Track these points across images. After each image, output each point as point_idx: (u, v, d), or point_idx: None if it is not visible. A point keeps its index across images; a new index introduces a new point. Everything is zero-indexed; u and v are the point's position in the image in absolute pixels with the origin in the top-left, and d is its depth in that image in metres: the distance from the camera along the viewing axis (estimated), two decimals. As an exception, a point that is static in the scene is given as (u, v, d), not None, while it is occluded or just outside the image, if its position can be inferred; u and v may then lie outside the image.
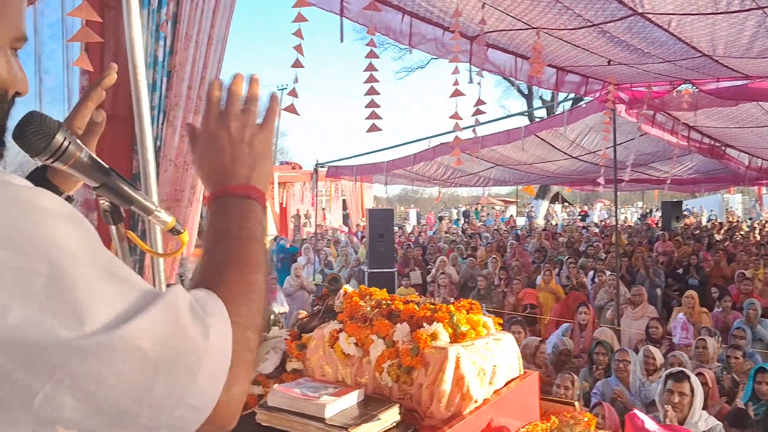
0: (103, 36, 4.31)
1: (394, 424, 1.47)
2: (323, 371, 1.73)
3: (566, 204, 38.72)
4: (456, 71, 4.93)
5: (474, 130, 5.83)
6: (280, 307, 9.74)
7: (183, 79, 4.57)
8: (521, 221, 27.36)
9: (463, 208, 38.19)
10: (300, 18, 4.25)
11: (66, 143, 0.98)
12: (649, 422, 1.65)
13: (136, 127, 1.88)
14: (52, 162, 0.99)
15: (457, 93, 5.02)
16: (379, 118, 4.90)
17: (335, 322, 1.77)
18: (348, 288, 1.93)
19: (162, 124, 4.51)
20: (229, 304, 0.81)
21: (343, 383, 1.67)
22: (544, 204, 28.27)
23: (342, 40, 5.04)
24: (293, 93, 4.67)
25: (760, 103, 7.77)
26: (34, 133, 0.95)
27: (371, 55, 4.66)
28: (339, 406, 1.47)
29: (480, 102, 5.43)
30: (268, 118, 1.05)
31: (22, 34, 0.83)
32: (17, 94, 0.85)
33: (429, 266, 13.42)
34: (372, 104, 4.84)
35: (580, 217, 31.55)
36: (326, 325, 1.77)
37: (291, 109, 4.67)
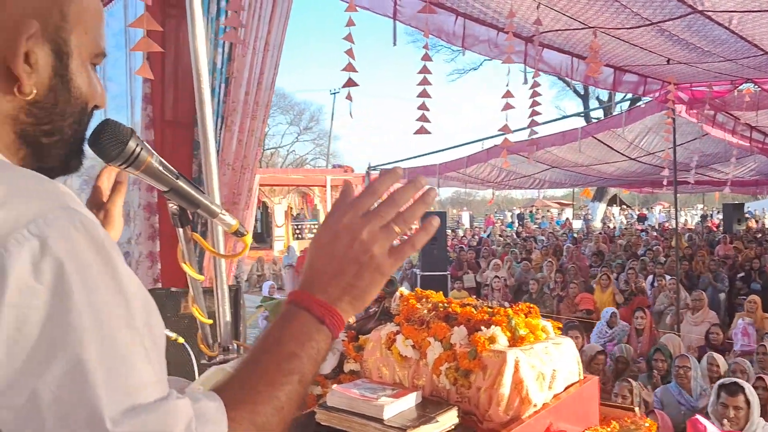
0: (164, 45, 4.46)
1: (452, 427, 1.47)
2: (380, 373, 1.74)
3: (624, 206, 37.84)
4: (509, 73, 4.89)
5: (531, 131, 5.77)
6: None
7: (240, 85, 4.68)
8: (577, 224, 26.88)
9: (517, 211, 37.78)
10: (351, 22, 4.30)
11: (138, 149, 1.03)
12: (711, 428, 1.60)
13: (200, 132, 1.93)
14: (126, 167, 1.03)
15: (507, 95, 4.98)
16: (428, 121, 4.91)
17: (392, 324, 1.78)
18: (404, 290, 1.94)
19: (220, 129, 4.63)
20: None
21: (401, 385, 1.67)
22: (602, 206, 27.71)
23: (395, 44, 5.07)
24: (348, 97, 4.72)
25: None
26: (109, 140, 0.99)
27: (426, 57, 4.67)
28: (397, 407, 1.48)
29: (535, 103, 5.37)
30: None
31: (101, 50, 0.86)
32: (95, 107, 0.87)
33: (482, 269, 13.32)
34: (422, 107, 4.85)
35: (638, 220, 30.77)
36: (383, 327, 1.78)
37: (422, 130, 4.73)
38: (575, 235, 19.07)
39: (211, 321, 1.79)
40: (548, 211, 38.56)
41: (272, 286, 13.48)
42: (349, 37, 4.31)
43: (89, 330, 0.64)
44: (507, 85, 4.95)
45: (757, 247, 13.07)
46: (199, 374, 1.88)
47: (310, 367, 0.81)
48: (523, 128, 6.46)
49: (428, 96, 4.83)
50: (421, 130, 4.85)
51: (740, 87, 7.33)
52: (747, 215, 21.74)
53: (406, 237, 0.85)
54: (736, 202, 19.64)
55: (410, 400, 1.53)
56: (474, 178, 14.54)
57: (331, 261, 0.83)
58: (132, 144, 1.01)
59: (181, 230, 1.23)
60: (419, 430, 1.41)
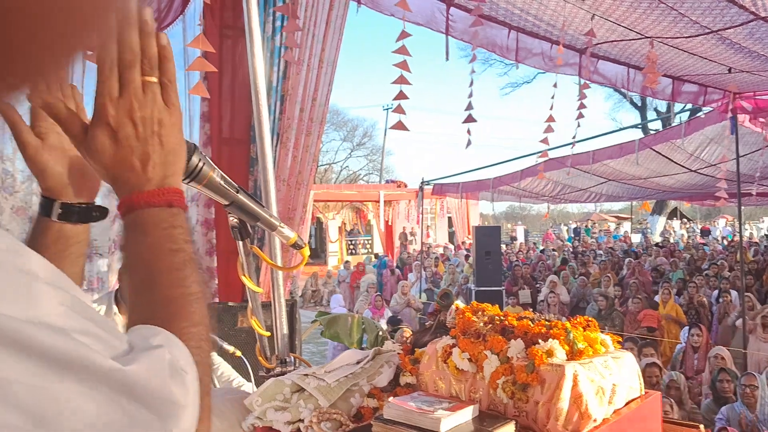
0: (221, 65, 4.59)
1: (510, 441, 1.46)
2: (436, 386, 1.73)
3: (685, 220, 36.73)
4: (555, 86, 4.85)
5: (573, 144, 5.70)
6: (386, 325, 9.84)
7: (295, 102, 4.78)
8: (636, 238, 26.21)
9: (573, 225, 37.11)
10: (404, 35, 4.33)
11: (201, 164, 1.06)
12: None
13: (258, 148, 1.98)
14: (189, 182, 1.07)
15: (550, 119, 4.93)
16: (469, 134, 4.90)
17: (448, 338, 1.77)
18: (459, 304, 1.93)
19: (276, 145, 4.72)
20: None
21: (457, 398, 1.66)
22: (661, 220, 27.00)
23: (447, 59, 5.09)
24: (400, 110, 4.76)
25: None
26: None
27: (473, 71, 4.68)
28: (454, 420, 1.48)
29: (580, 116, 5.31)
30: (166, 78, 0.81)
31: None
32: None
33: (537, 285, 13.13)
34: (469, 119, 4.85)
35: (701, 234, 29.81)
36: (439, 340, 1.78)
37: (399, 126, 4.74)
38: (636, 249, 18.61)
39: (269, 333, 1.83)
40: (606, 225, 37.74)
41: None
42: (402, 50, 4.34)
43: None
44: (552, 98, 4.90)
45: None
46: (257, 386, 1.92)
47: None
48: (565, 144, 6.38)
49: (471, 108, 4.83)
50: (469, 143, 4.86)
51: (808, 94, 7.07)
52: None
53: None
54: (806, 215, 18.83)
55: (467, 414, 1.52)
56: (528, 192, 14.39)
57: (128, 155, 0.78)
58: (195, 159, 1.05)
59: (240, 243, 1.26)
60: (478, 443, 1.40)
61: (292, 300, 4.48)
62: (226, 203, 1.15)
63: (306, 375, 1.80)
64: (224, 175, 1.13)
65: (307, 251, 1.29)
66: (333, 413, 1.66)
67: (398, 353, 1.91)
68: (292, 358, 2.03)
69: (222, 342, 2.83)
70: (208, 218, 4.81)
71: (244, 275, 1.38)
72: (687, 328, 7.90)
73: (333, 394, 1.72)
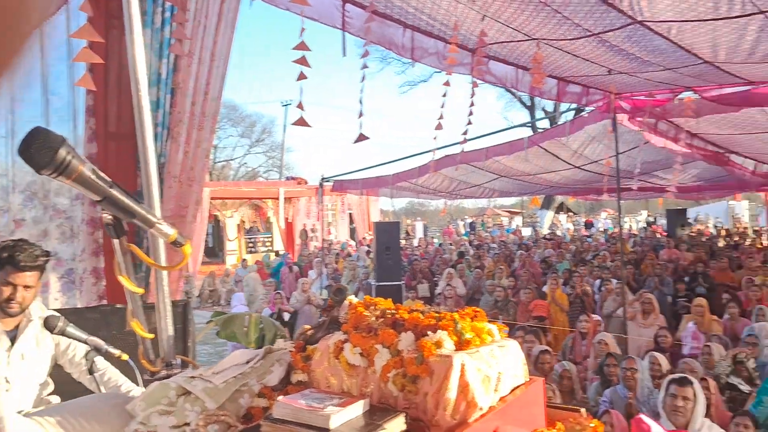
0: (107, 56, 4.37)
1: (400, 433, 1.47)
2: (328, 382, 1.73)
3: (571, 213, 38.64)
4: (447, 84, 4.95)
5: (464, 140, 5.84)
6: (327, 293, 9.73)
7: (186, 96, 4.62)
8: (527, 232, 27.33)
9: (469, 220, 38.19)
10: (302, 31, 4.29)
11: (69, 157, 1.00)
12: (656, 427, 1.64)
13: (139, 143, 1.89)
14: (57, 176, 1.00)
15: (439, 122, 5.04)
16: (367, 138, 4.94)
17: (340, 333, 1.77)
18: (353, 299, 1.94)
19: (166, 141, 4.56)
20: None
21: (349, 394, 1.67)
22: (550, 214, 28.27)
23: (344, 54, 5.09)
24: (300, 106, 4.71)
25: (765, 108, 7.76)
26: (39, 147, 0.96)
27: (364, 66, 4.70)
28: (344, 416, 1.48)
29: (471, 113, 5.45)
30: None
31: None
32: None
33: (435, 278, 13.41)
34: (361, 115, 4.89)
35: (585, 227, 31.45)
36: (331, 336, 1.78)
37: (301, 122, 4.69)
38: (527, 242, 19.41)
39: (152, 336, 1.76)
40: (499, 219, 39.11)
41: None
42: (302, 45, 4.30)
43: None
44: (444, 96, 5.00)
45: (699, 249, 13.53)
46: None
47: None
48: (455, 143, 6.55)
49: (360, 104, 4.86)
50: (361, 137, 4.87)
51: (680, 95, 7.56)
52: (690, 220, 22.47)
53: None
54: (679, 208, 20.26)
55: (357, 409, 1.52)
56: (426, 188, 14.64)
57: None
58: (63, 152, 0.99)
59: (116, 241, 1.20)
60: (366, 437, 1.40)
61: (185, 300, 4.35)
62: (99, 199, 1.09)
63: (192, 377, 1.75)
64: (96, 169, 1.07)
65: (188, 249, 1.25)
66: (221, 415, 1.62)
67: (290, 351, 1.89)
68: (179, 360, 1.96)
69: (107, 346, 2.70)
70: (94, 217, 4.57)
71: (122, 275, 1.31)
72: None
73: (221, 396, 1.68)
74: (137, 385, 2.72)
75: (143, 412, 1.67)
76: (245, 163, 48.21)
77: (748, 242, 16.94)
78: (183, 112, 4.55)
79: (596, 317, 8.00)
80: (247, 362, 1.86)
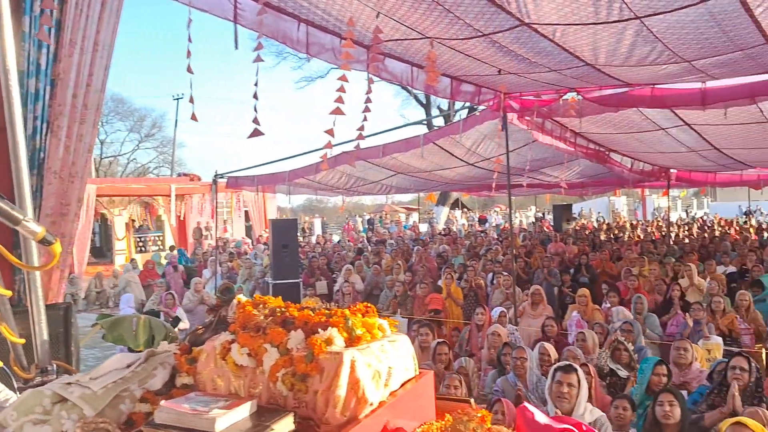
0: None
1: (289, 434, 1.44)
2: (215, 385, 1.67)
3: (465, 210, 39.76)
4: (344, 78, 4.94)
5: (360, 136, 5.85)
6: (181, 323, 9.43)
7: (68, 87, 4.36)
8: (424, 227, 27.86)
9: (367, 217, 38.46)
10: (189, 22, 4.16)
11: None
12: (539, 414, 1.70)
13: (9, 136, 1.76)
14: None
15: (339, 103, 5.02)
16: (259, 126, 4.86)
17: (227, 333, 1.72)
18: (242, 297, 1.88)
19: (45, 135, 4.29)
20: None
21: (236, 396, 1.62)
22: (445, 210, 28.94)
23: (236, 47, 4.96)
24: (191, 100, 4.55)
25: (640, 109, 8.28)
26: None
27: (257, 59, 4.62)
28: (230, 419, 1.43)
29: (367, 110, 5.47)
30: None
31: None
32: None
33: (334, 275, 13.40)
34: (255, 121, 4.81)
35: (479, 222, 32.45)
36: (217, 336, 1.72)
37: (192, 117, 4.54)
38: (423, 237, 19.77)
39: (22, 341, 1.63)
40: (397, 215, 39.66)
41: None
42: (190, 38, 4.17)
43: None
44: (338, 90, 4.98)
45: (583, 243, 14.28)
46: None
47: None
48: (351, 140, 6.56)
49: (256, 99, 4.78)
50: (255, 133, 4.79)
51: (565, 96, 7.91)
52: (575, 216, 23.68)
53: None
54: (565, 204, 21.27)
55: (244, 410, 1.48)
56: (324, 185, 14.60)
57: None
58: None
59: (-26, 241, 1.10)
60: (254, 439, 1.37)
61: (67, 303, 4.10)
62: (-49, 195, 0.99)
63: (69, 383, 1.64)
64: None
65: (58, 248, 1.16)
66: (100, 422, 1.53)
67: (174, 353, 1.81)
68: (55, 366, 1.84)
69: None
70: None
71: (-19, 277, 1.21)
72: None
73: (99, 402, 1.59)
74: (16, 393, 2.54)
75: (15, 422, 1.55)
76: (134, 159, 46.41)
77: (626, 235, 18.07)
78: (64, 104, 4.29)
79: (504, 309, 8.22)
80: (128, 366, 1.77)
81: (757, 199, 29.43)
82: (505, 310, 7.72)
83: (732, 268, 10.70)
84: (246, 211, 25.65)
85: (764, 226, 20.48)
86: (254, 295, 1.88)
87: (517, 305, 8.59)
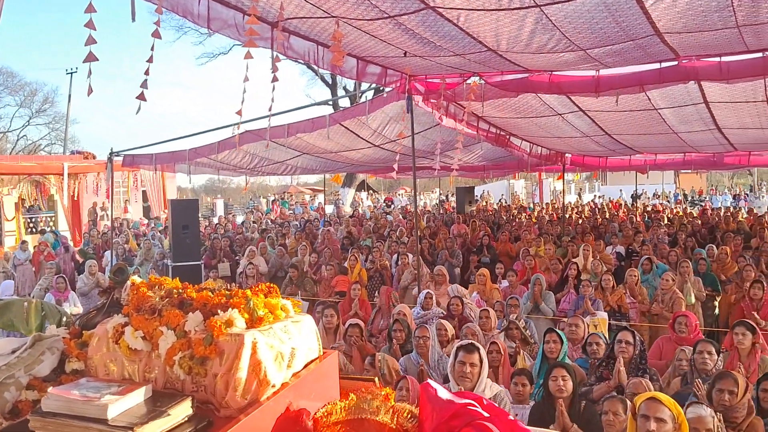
0: None
1: (186, 419, 1.40)
2: (107, 370, 1.60)
3: (371, 191, 40.01)
4: (248, 56, 4.82)
5: (270, 117, 5.75)
6: (73, 307, 9.00)
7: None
8: (330, 209, 27.82)
9: (272, 197, 37.97)
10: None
11: None
12: (441, 390, 1.73)
13: None
14: None
15: (246, 79, 4.92)
16: (145, 100, 4.69)
17: (120, 316, 1.64)
18: (136, 279, 1.80)
19: None
20: None
21: (130, 381, 1.55)
22: (351, 192, 28.99)
23: (133, 20, 4.73)
24: (91, 57, 4.29)
25: (539, 94, 8.56)
26: None
27: (155, 34, 4.43)
28: (123, 405, 1.37)
29: (273, 89, 5.37)
30: None
31: None
32: None
33: (237, 257, 13.16)
34: (143, 85, 4.63)
35: (385, 204, 32.75)
36: (110, 319, 1.64)
37: (91, 57, 4.30)
38: (327, 219, 19.74)
39: None
40: (302, 196, 39.37)
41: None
42: (90, 8, 3.92)
43: None
44: (246, 70, 4.86)
45: (484, 224, 14.71)
46: None
47: None
48: (260, 117, 6.44)
49: (148, 74, 4.60)
50: (141, 96, 4.62)
51: (468, 80, 8.05)
52: (477, 197, 24.33)
53: None
54: (467, 186, 21.82)
55: (139, 396, 1.42)
56: (227, 164, 14.23)
57: None
58: None
59: None
60: (148, 426, 1.31)
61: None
62: None
63: (-56, 374, 1.52)
64: None
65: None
66: (-21, 414, 1.43)
67: (63, 338, 1.71)
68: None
69: None
70: None
71: None
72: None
73: (-22, 392, 1.48)
74: None
75: None
76: (24, 136, 43.69)
77: (524, 217, 18.77)
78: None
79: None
80: (13, 352, 1.66)
81: (643, 183, 31.30)
82: (432, 292, 7.82)
83: (620, 248, 11.34)
84: (144, 191, 24.68)
85: (649, 208, 21.80)
86: (150, 276, 1.80)
87: (421, 285, 8.74)
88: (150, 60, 4.58)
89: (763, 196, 34.56)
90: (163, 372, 1.54)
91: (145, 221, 22.55)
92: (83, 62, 4.25)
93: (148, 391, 1.46)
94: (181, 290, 1.69)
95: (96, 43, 4.17)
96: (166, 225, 17.50)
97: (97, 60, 4.25)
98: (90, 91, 4.45)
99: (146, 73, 4.59)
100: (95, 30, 4.12)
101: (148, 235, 17.17)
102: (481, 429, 1.53)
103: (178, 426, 1.37)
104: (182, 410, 1.40)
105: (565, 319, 6.95)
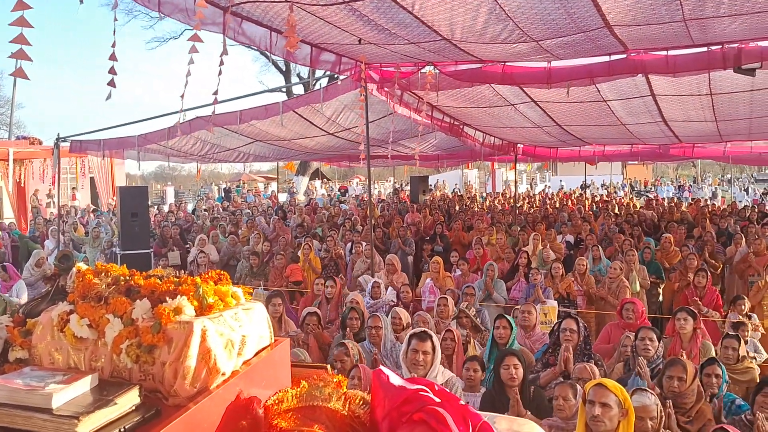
0: None
1: (134, 408, 1.37)
2: (52, 359, 1.56)
3: (326, 180, 39.84)
4: (196, 38, 4.73)
5: (216, 101, 5.66)
6: (16, 298, 8.73)
7: None
8: (283, 197, 27.60)
9: (224, 185, 37.47)
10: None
11: None
12: (393, 377, 1.74)
13: None
14: None
15: (190, 61, 4.83)
16: (114, 86, 4.58)
17: (65, 304, 1.60)
18: (81, 266, 1.75)
19: None
20: None
21: (76, 369, 1.52)
22: (305, 180, 28.82)
23: (81, 2, 4.59)
24: (22, 54, 4.14)
25: (492, 85, 8.64)
26: None
27: (113, 17, 4.30)
28: (69, 394, 1.34)
29: (221, 73, 5.28)
30: None
31: None
32: None
33: (187, 245, 12.97)
34: (111, 71, 4.51)
35: (339, 193, 32.68)
36: (55, 307, 1.60)
37: (20, 73, 4.15)
38: (282, 207, 19.59)
39: None
40: (255, 185, 38.95)
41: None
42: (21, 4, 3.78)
43: None
44: (189, 53, 4.76)
45: (439, 214, 14.83)
46: None
47: None
48: (208, 104, 6.32)
49: (115, 59, 4.48)
50: (111, 83, 4.51)
51: (423, 69, 8.06)
52: (431, 186, 24.48)
53: None
54: (422, 175, 21.92)
55: (85, 385, 1.39)
56: (177, 151, 13.97)
57: None
58: None
59: None
60: (94, 415, 1.28)
61: None
62: None
63: None
64: None
65: None
66: None
67: (6, 326, 1.66)
68: None
69: None
70: None
71: None
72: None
73: None
74: None
75: None
76: (-35, 120, 41.94)
77: (477, 206, 18.98)
78: None
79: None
80: (-49, 343, 1.61)
81: (592, 174, 31.97)
82: (379, 281, 7.83)
83: (570, 237, 11.58)
84: (92, 178, 24.05)
85: (597, 198, 22.31)
86: (96, 263, 1.76)
87: (373, 274, 8.77)
88: (113, 45, 4.46)
89: (705, 187, 35.78)
90: (109, 360, 1.51)
91: (92, 208, 22.00)
92: (9, 42, 4.09)
93: (95, 379, 1.43)
94: (128, 277, 1.66)
95: (32, 27, 4.02)
96: (114, 212, 17.10)
97: (30, 45, 4.10)
98: (24, 76, 4.28)
99: (112, 58, 4.47)
100: (30, 8, 3.98)
101: (93, 222, 16.75)
102: (433, 414, 1.55)
103: (125, 415, 1.35)
104: (129, 399, 1.37)
105: (517, 307, 7.07)
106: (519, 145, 16.15)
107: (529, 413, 4.17)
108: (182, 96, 5.05)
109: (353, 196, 28.77)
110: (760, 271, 8.20)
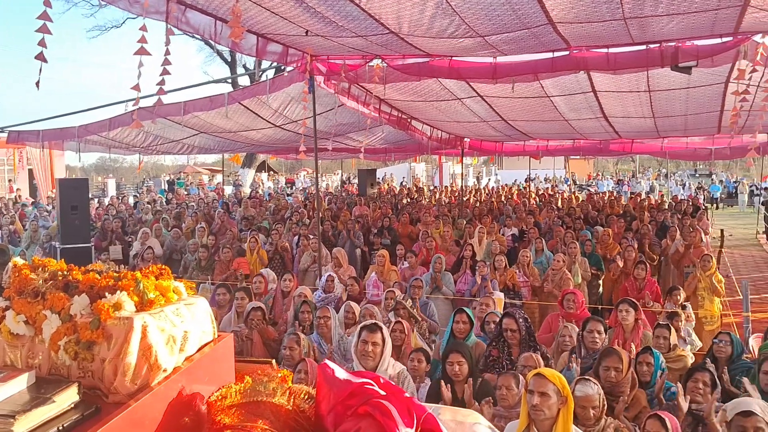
0: None
1: (72, 406, 1.35)
2: (-14, 357, 1.51)
3: (272, 172, 39.45)
4: (144, 28, 4.63)
5: (161, 91, 5.54)
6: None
7: None
8: (229, 190, 27.22)
9: (167, 177, 36.71)
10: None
11: None
12: (339, 371, 1.75)
13: None
14: None
15: (142, 51, 4.72)
16: (45, 60, 4.46)
17: (1, 300, 1.56)
18: (18, 260, 1.70)
19: None
20: None
21: (12, 367, 1.48)
22: (251, 172, 28.47)
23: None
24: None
25: (440, 79, 8.71)
26: None
27: (46, 3, 4.17)
28: (5, 392, 1.31)
29: (167, 62, 5.17)
30: None
31: None
32: None
33: (129, 239, 12.67)
34: (40, 57, 4.38)
35: (287, 186, 32.43)
36: (-12, 304, 1.55)
37: None
38: (225, 201, 19.33)
39: None
40: (199, 177, 38.28)
41: None
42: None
43: None
44: (138, 41, 4.66)
45: (387, 207, 14.88)
46: None
47: None
48: (151, 95, 6.18)
49: (44, 46, 4.35)
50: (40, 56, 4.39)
51: (371, 62, 8.06)
52: (378, 180, 24.55)
53: None
54: (369, 168, 21.94)
55: (21, 383, 1.36)
56: (119, 143, 13.62)
57: None
58: None
59: None
60: (31, 414, 1.26)
61: None
62: None
63: None
64: None
65: None
66: None
67: (-66, 325, 1.60)
68: None
69: None
70: None
71: None
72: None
73: None
74: None
75: None
76: None
77: (425, 200, 19.13)
78: None
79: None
80: None
81: (536, 168, 32.58)
82: (333, 274, 7.82)
83: (514, 230, 11.78)
84: (30, 170, 23.22)
85: (541, 192, 22.76)
86: (33, 258, 1.72)
87: (321, 267, 8.76)
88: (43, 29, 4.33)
89: (643, 181, 36.94)
90: (47, 358, 1.47)
91: (30, 200, 21.27)
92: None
93: (32, 377, 1.39)
94: (66, 272, 1.62)
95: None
96: (52, 205, 16.57)
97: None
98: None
99: (41, 44, 4.33)
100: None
101: (30, 216, 16.21)
102: (378, 407, 1.56)
103: (64, 413, 1.32)
104: (68, 397, 1.35)
105: (465, 299, 7.17)
106: (466, 139, 16.34)
107: (476, 404, 4.24)
108: (137, 87, 4.92)
109: (300, 189, 28.61)
110: (695, 262, 8.52)
